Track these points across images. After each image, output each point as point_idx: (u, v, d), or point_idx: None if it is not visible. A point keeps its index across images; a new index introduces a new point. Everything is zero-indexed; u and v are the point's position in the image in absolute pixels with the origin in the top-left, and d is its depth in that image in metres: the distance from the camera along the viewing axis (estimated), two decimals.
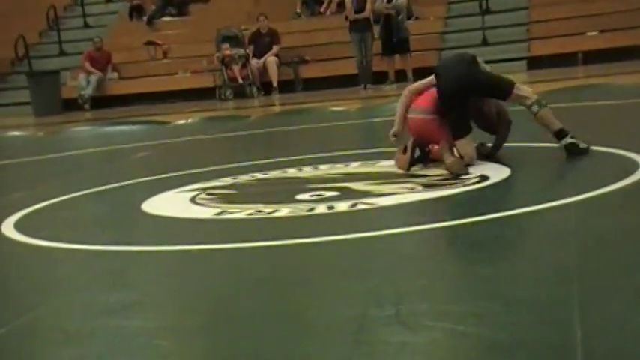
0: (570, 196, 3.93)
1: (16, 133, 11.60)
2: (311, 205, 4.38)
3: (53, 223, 4.70)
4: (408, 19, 13.62)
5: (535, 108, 5.07)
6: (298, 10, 15.42)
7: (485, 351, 2.23)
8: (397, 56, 13.06)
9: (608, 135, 5.50)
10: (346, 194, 4.56)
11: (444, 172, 4.91)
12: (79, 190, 5.61)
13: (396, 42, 12.86)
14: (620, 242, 3.22)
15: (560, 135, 5.07)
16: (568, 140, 5.04)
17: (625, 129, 6.28)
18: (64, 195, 5.46)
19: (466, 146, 4.99)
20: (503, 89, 5.12)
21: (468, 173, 4.77)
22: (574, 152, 5.01)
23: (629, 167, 4.47)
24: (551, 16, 13.80)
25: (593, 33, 13.31)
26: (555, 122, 5.10)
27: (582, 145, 5.04)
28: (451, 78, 5.09)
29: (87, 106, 14.28)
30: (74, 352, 2.52)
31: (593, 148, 5.15)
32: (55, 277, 3.60)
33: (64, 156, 8.31)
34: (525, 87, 5.28)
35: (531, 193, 4.39)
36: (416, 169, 5.11)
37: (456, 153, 5.00)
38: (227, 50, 13.75)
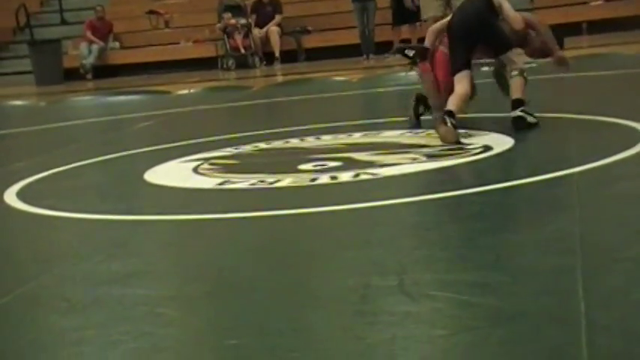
0: (574, 167, 3.91)
1: (18, 103, 11.57)
2: (314, 175, 4.37)
3: (55, 192, 4.69)
4: None
5: (514, 73, 5.18)
6: None
7: (488, 321, 2.23)
8: (404, 26, 12.97)
9: (612, 105, 5.48)
10: (349, 164, 4.55)
11: None
12: (81, 160, 5.60)
13: (408, 10, 12.75)
14: (623, 213, 3.21)
15: (514, 105, 5.14)
16: (517, 113, 5.09)
17: (629, 99, 6.25)
18: (67, 164, 5.46)
19: (462, 80, 5.08)
20: (503, 45, 5.25)
21: (460, 142, 4.75)
22: (520, 125, 5.07)
23: (633, 137, 4.45)
24: None
25: (598, 2, 13.21)
26: (519, 93, 5.15)
27: (530, 119, 5.11)
28: (466, 17, 5.23)
29: (89, 75, 14.24)
30: (76, 321, 2.53)
31: (598, 118, 5.13)
32: (57, 246, 3.60)
33: (66, 125, 8.30)
34: (521, 58, 5.32)
35: (534, 163, 4.38)
36: (419, 140, 5.10)
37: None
38: (229, 19, 13.67)
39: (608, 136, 4.81)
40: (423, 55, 5.46)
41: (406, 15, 12.78)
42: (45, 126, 8.35)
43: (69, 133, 7.80)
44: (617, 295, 2.32)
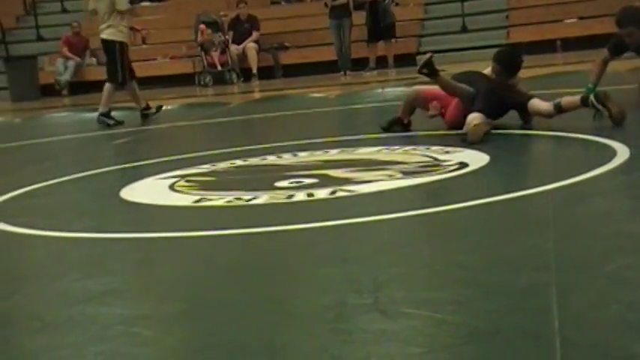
0: (548, 183, 3.94)
1: None
2: (290, 192, 4.37)
3: (30, 209, 4.66)
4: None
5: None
6: None
7: (463, 338, 2.24)
8: (380, 42, 13.06)
9: (586, 122, 5.52)
10: (325, 181, 4.56)
11: (423, 159, 4.92)
12: (57, 177, 5.57)
13: (382, 27, 12.85)
14: (596, 229, 3.24)
15: None
16: None
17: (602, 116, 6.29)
18: (42, 182, 5.42)
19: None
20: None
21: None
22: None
23: (607, 154, 4.49)
24: (530, 2, 13.84)
25: (572, 20, 13.36)
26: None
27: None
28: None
29: (64, 91, 14.18)
30: (50, 341, 2.51)
31: (572, 135, 5.18)
32: (31, 264, 3.58)
33: (42, 142, 8.25)
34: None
35: (509, 180, 4.41)
36: (395, 157, 5.12)
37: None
38: (204, 30, 13.61)
39: (582, 152, 4.85)
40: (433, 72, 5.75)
41: (381, 31, 12.88)
42: (20, 143, 8.29)
43: (44, 149, 7.75)
44: (592, 313, 2.33)
